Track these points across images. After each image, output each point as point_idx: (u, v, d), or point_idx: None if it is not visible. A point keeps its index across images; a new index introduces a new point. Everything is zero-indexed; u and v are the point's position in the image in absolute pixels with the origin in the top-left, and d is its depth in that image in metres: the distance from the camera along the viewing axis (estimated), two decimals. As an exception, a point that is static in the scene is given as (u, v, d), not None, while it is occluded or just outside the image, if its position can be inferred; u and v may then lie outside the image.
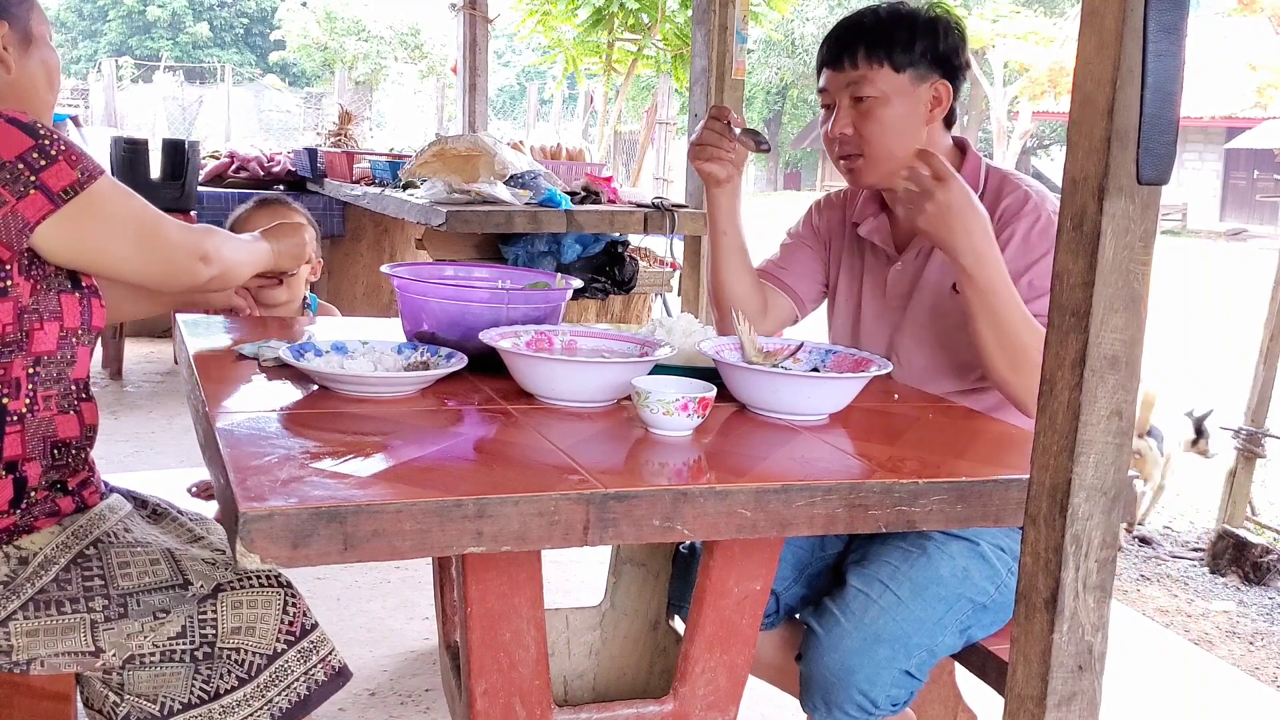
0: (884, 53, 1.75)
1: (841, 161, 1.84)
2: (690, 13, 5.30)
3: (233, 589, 1.44)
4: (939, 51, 1.77)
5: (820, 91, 1.84)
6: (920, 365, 1.85)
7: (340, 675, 1.47)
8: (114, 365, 5.20)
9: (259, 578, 1.45)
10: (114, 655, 1.39)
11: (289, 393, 1.47)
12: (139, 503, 1.68)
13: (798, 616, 1.83)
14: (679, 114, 10.83)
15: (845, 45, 1.78)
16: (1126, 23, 0.86)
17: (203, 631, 1.40)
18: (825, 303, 2.08)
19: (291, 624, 1.43)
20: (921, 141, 1.78)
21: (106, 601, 1.40)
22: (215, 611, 1.41)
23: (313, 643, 1.45)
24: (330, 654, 1.47)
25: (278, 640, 1.42)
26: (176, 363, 4.61)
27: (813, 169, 33.79)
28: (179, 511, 1.73)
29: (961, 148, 1.87)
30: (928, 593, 1.62)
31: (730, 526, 1.18)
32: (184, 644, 1.39)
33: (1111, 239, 0.89)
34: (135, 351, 5.60)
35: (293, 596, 1.46)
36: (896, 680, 1.57)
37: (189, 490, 2.20)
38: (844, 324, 1.98)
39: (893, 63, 1.75)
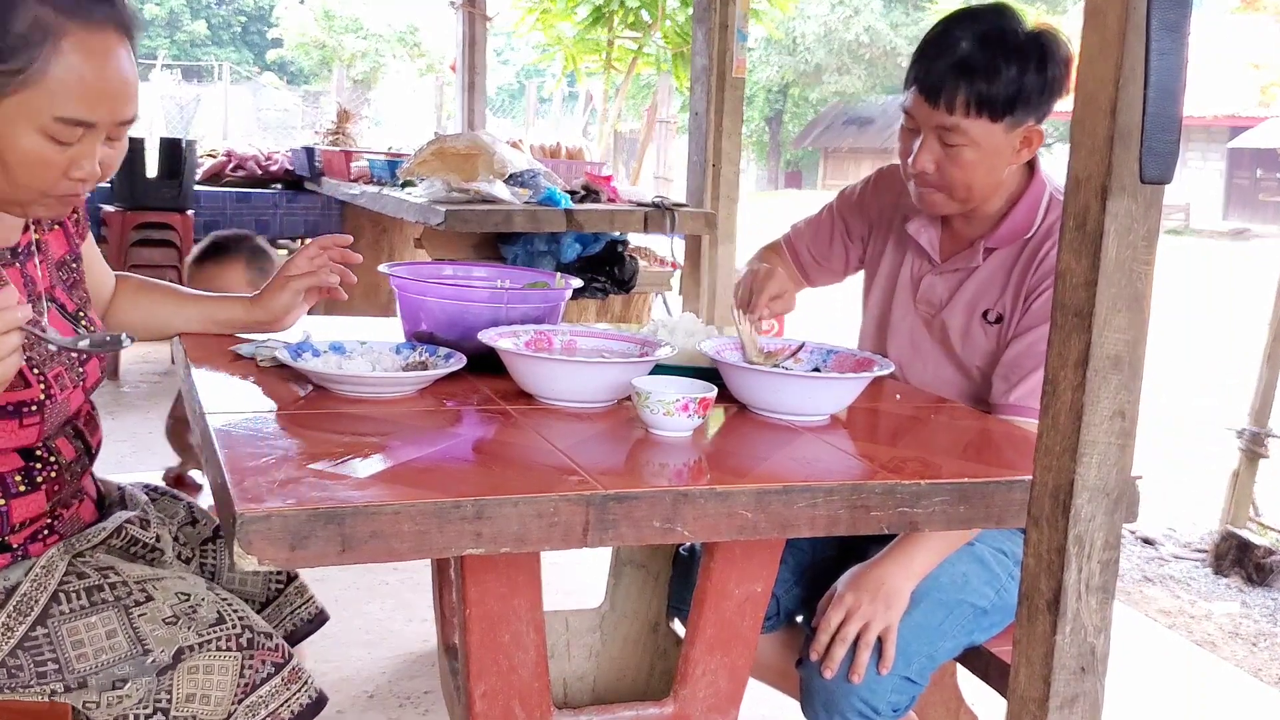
0: (984, 101, 1.64)
1: (916, 188, 1.77)
2: (691, 11, 5.29)
3: (193, 653, 1.38)
4: (1042, 93, 1.66)
5: (905, 112, 1.73)
6: (943, 380, 1.83)
7: (303, 716, 1.42)
8: (111, 365, 5.20)
9: (219, 640, 1.39)
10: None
11: (287, 393, 1.46)
12: (142, 523, 1.56)
13: (798, 620, 1.83)
14: (679, 112, 10.80)
15: (944, 82, 1.65)
16: (1129, 21, 0.85)
17: (157, 699, 1.37)
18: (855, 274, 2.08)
19: (246, 685, 1.39)
20: (1002, 179, 1.73)
21: (62, 679, 1.36)
22: (174, 680, 1.37)
23: (262, 697, 1.39)
24: (284, 705, 1.40)
25: (232, 704, 1.38)
26: (173, 363, 4.60)
27: (813, 169, 33.77)
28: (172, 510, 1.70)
29: (1032, 170, 1.78)
30: (928, 599, 1.61)
31: (731, 528, 1.17)
32: (142, 710, 1.36)
33: (1114, 238, 0.89)
34: (132, 352, 5.60)
35: (250, 658, 1.40)
36: (897, 686, 1.56)
37: (164, 480, 2.20)
38: (874, 310, 1.96)
39: (991, 114, 1.65)
